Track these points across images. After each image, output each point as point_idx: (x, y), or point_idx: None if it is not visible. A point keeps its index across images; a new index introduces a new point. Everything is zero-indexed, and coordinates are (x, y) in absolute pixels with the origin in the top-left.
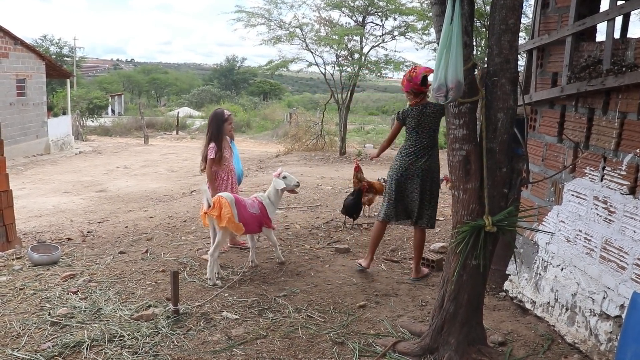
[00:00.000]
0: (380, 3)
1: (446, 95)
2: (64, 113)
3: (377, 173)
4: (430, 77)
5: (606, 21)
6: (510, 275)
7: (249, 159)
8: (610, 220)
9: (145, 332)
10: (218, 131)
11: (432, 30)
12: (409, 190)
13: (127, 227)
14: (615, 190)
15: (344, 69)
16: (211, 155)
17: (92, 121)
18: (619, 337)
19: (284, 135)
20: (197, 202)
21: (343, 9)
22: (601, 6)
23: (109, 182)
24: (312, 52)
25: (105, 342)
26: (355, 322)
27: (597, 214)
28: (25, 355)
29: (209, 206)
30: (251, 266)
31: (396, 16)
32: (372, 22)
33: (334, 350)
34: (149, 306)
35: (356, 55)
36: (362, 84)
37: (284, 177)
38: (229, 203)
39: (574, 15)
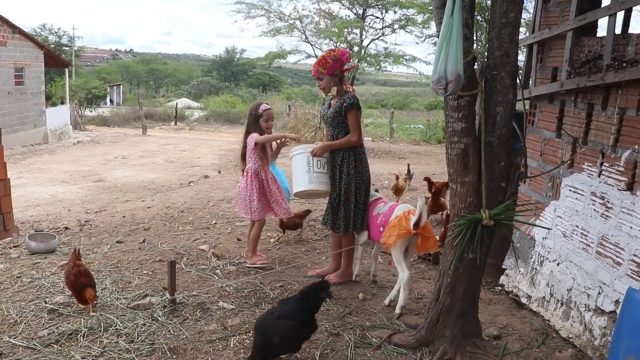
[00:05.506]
0: None
1: (445, 88)
2: (62, 102)
3: (376, 166)
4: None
5: (607, 16)
6: (506, 269)
7: None
8: (607, 216)
9: (142, 321)
10: (254, 128)
11: (432, 23)
12: None
13: (124, 217)
14: (612, 186)
15: None
16: (251, 144)
17: (91, 111)
18: (613, 332)
19: (282, 127)
20: (195, 192)
21: (343, 1)
22: (602, 1)
23: (106, 172)
24: (311, 45)
25: (101, 331)
26: (351, 314)
27: (594, 210)
28: (22, 342)
29: (416, 225)
30: (373, 280)
31: (396, 9)
32: (372, 15)
33: (329, 341)
34: (146, 295)
35: (356, 48)
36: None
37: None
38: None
39: (575, 10)
